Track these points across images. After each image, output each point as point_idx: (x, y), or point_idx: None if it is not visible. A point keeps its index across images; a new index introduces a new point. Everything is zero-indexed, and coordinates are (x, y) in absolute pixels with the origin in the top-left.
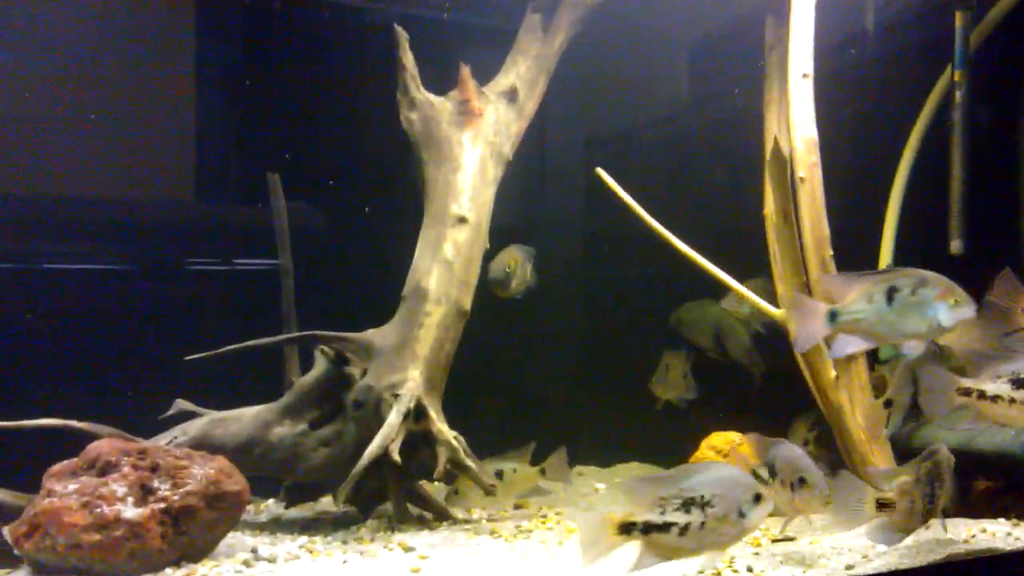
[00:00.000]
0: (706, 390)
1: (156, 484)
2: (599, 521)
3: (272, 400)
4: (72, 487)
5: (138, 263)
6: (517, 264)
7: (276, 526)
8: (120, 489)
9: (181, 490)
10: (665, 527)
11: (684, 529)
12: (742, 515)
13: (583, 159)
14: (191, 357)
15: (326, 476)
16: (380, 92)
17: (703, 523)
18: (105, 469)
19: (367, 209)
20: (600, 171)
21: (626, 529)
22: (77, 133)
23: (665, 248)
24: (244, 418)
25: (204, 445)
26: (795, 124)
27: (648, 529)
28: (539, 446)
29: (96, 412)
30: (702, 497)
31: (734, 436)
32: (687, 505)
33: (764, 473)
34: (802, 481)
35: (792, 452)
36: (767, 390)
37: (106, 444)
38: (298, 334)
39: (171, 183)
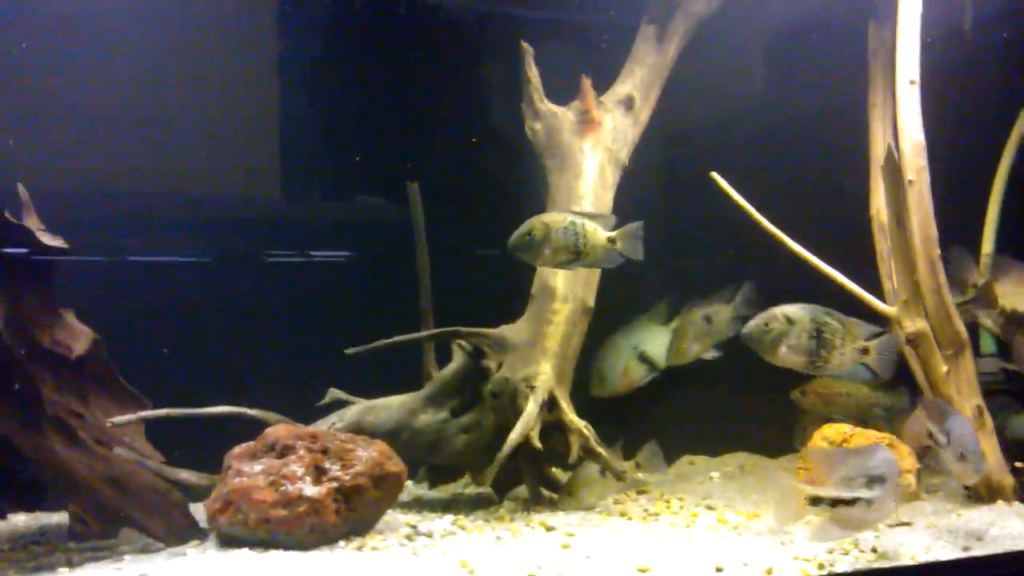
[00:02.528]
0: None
1: (328, 465)
2: (794, 492)
3: (393, 386)
4: (258, 468)
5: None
6: (548, 230)
7: (420, 505)
8: (299, 469)
9: (351, 470)
10: (850, 502)
11: (867, 504)
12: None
13: (667, 155)
14: (350, 351)
15: (466, 460)
16: (474, 88)
17: (877, 499)
18: (283, 452)
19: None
20: (715, 175)
21: (815, 502)
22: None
23: (758, 242)
24: (392, 406)
25: (358, 430)
26: (903, 129)
27: (836, 503)
28: (639, 438)
29: (241, 399)
30: (881, 475)
31: (845, 427)
32: (871, 482)
33: (942, 439)
34: (962, 456)
35: (964, 427)
36: None
37: (282, 429)
38: (441, 330)
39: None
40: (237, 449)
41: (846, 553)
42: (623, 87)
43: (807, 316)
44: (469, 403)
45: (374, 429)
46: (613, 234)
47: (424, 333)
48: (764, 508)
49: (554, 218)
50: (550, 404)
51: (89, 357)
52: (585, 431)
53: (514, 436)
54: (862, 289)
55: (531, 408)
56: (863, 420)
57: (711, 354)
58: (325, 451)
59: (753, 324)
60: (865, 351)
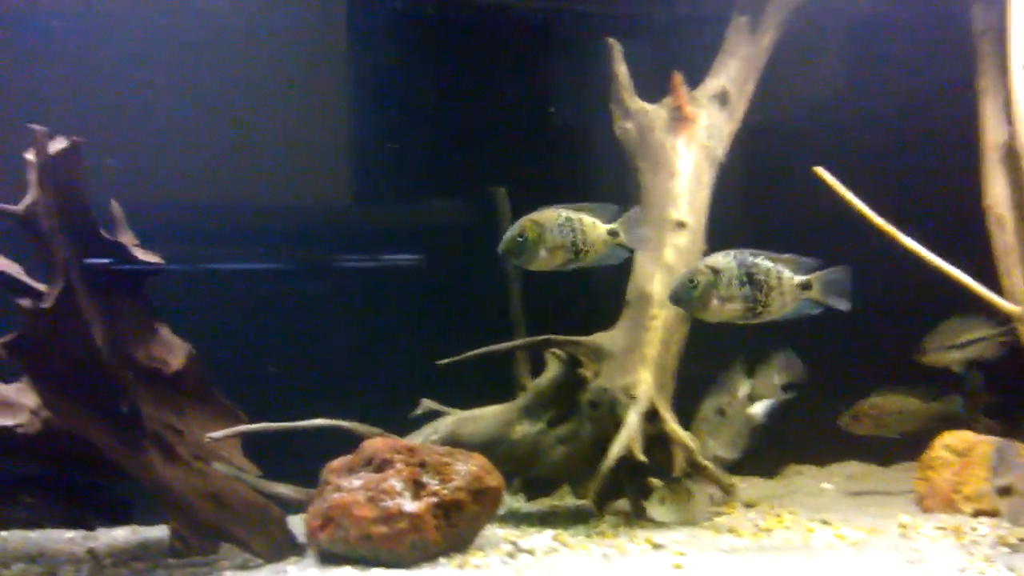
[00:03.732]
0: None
1: (426, 479)
2: None
3: (482, 395)
4: (357, 482)
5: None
6: (541, 229)
7: (516, 519)
8: (398, 484)
9: (450, 485)
10: None
11: None
12: None
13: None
14: (442, 361)
15: (564, 472)
16: (553, 88)
17: None
18: (381, 466)
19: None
20: (820, 170)
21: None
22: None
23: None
24: (487, 417)
25: (453, 442)
26: (1019, 117)
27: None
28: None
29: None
30: None
31: (968, 435)
32: None
33: None
34: None
35: None
36: None
37: (380, 442)
38: (535, 339)
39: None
40: (335, 463)
41: (981, 574)
42: (716, 81)
43: (732, 262)
44: (566, 414)
45: (470, 441)
46: (614, 225)
47: (517, 342)
48: (885, 522)
49: (546, 215)
50: (651, 415)
51: (185, 371)
52: (689, 443)
53: (616, 449)
54: (982, 286)
55: (632, 419)
56: (921, 434)
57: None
58: (423, 465)
59: (676, 282)
60: (807, 286)
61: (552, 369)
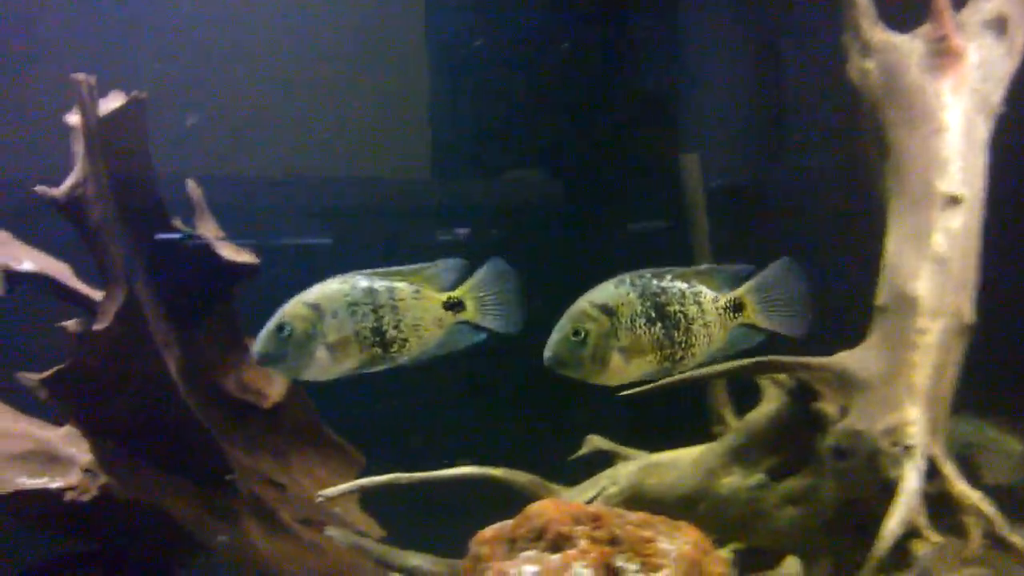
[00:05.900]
0: None
1: (621, 563)
2: None
3: (655, 429)
4: (530, 570)
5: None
6: (312, 320)
7: None
8: (585, 573)
9: (656, 575)
10: None
11: None
12: None
13: None
14: (626, 392)
15: (793, 543)
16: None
17: None
18: (558, 542)
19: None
20: None
21: None
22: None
23: None
24: (681, 464)
25: (637, 497)
26: None
27: None
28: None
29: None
30: None
31: None
32: None
33: None
34: None
35: None
36: None
37: (552, 508)
38: (752, 360)
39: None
40: (488, 532)
41: None
42: (990, 2)
43: (631, 293)
44: (795, 463)
45: (660, 496)
46: (459, 292)
47: (727, 366)
48: None
49: (330, 290)
50: (929, 470)
51: (286, 403)
52: (987, 510)
53: (893, 524)
54: None
55: (912, 480)
56: None
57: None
58: (614, 541)
59: (555, 340)
60: (738, 306)
61: (772, 401)
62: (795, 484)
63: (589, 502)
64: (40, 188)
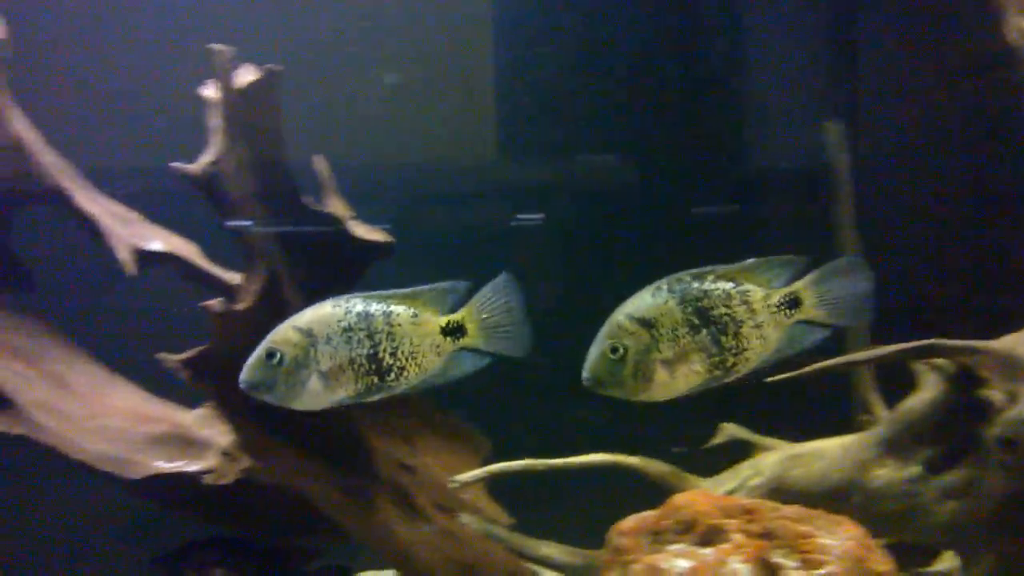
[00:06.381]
0: None
1: (779, 559)
2: None
3: (786, 417)
4: (682, 565)
5: None
6: (306, 346)
7: None
8: (742, 568)
9: (818, 572)
10: None
11: None
12: None
13: None
14: (774, 378)
15: (954, 538)
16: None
17: None
18: (709, 536)
19: None
20: None
21: None
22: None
23: None
24: (828, 454)
25: (781, 489)
26: None
27: None
28: None
29: None
30: None
31: None
32: None
33: None
34: None
35: None
36: None
37: (700, 499)
38: (913, 344)
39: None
40: (629, 523)
41: None
42: None
43: (670, 300)
44: (953, 453)
45: (806, 488)
46: (458, 315)
47: (883, 351)
48: None
49: (324, 313)
50: None
51: None
52: None
53: None
54: None
55: None
56: None
57: None
58: (769, 535)
59: (591, 359)
60: (793, 302)
61: (930, 388)
62: (955, 477)
63: (730, 494)
64: (176, 164)
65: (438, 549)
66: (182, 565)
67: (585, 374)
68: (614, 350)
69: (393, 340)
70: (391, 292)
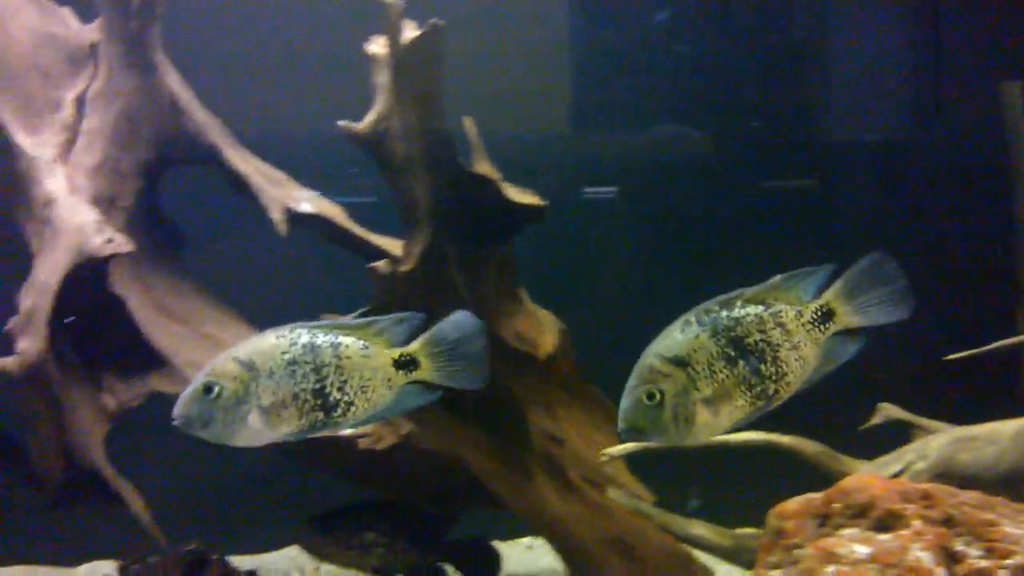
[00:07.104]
0: None
1: (961, 548)
2: None
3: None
4: (860, 550)
5: None
6: (246, 380)
7: None
8: (925, 557)
9: (1007, 562)
10: None
11: None
12: None
13: None
14: (952, 356)
15: None
16: None
17: None
18: (887, 521)
19: None
20: None
21: None
22: None
23: None
24: (1001, 438)
25: (947, 473)
26: None
27: None
28: None
29: None
30: None
31: None
32: None
33: None
34: None
35: None
36: None
37: (875, 483)
38: None
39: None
40: (793, 505)
41: None
42: None
43: (703, 334)
44: None
45: (975, 474)
46: (412, 347)
47: None
48: None
49: (266, 345)
50: None
51: (557, 355)
52: None
53: None
54: None
55: None
56: None
57: None
58: (949, 522)
59: (626, 408)
60: (828, 314)
61: None
62: None
63: (895, 477)
64: (343, 123)
65: (591, 524)
66: (334, 526)
67: (621, 425)
68: (650, 396)
69: (341, 374)
70: (339, 322)
